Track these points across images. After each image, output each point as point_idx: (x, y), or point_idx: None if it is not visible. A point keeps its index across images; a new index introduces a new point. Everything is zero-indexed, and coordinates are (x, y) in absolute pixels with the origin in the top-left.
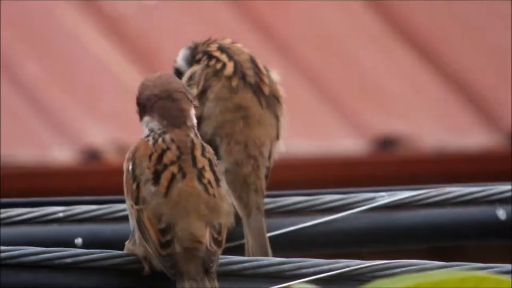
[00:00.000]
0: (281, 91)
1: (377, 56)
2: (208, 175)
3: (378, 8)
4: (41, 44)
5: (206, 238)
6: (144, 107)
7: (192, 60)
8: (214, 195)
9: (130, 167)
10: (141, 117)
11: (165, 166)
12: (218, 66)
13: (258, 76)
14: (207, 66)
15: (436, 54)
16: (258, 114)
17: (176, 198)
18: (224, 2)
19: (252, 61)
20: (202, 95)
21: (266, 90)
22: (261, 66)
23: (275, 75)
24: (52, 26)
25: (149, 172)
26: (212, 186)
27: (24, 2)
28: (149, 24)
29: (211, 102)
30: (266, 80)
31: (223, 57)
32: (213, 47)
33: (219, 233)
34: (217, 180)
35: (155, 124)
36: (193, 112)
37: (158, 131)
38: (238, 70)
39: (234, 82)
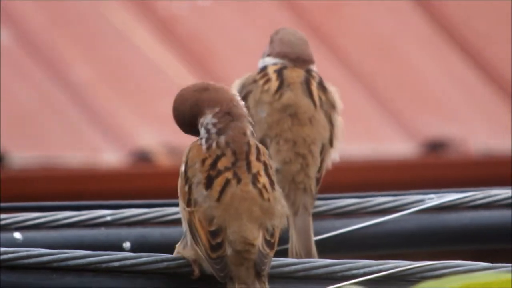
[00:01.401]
0: (338, 101)
1: (428, 60)
2: (263, 179)
3: (428, 12)
4: (92, 46)
5: (259, 241)
6: (196, 104)
7: None
8: (268, 200)
9: (183, 169)
10: (197, 118)
11: (219, 172)
12: (262, 81)
13: (309, 91)
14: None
15: (486, 58)
16: (309, 112)
17: (229, 202)
18: (278, 3)
19: (306, 82)
20: (244, 101)
21: (319, 98)
22: (313, 87)
23: (333, 92)
24: (103, 28)
25: (201, 176)
26: (267, 190)
27: (76, 4)
28: (202, 25)
29: (259, 106)
30: (316, 94)
31: (273, 76)
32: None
33: (272, 235)
34: (272, 183)
35: (209, 118)
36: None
37: (214, 129)
38: (284, 86)
39: (277, 96)
